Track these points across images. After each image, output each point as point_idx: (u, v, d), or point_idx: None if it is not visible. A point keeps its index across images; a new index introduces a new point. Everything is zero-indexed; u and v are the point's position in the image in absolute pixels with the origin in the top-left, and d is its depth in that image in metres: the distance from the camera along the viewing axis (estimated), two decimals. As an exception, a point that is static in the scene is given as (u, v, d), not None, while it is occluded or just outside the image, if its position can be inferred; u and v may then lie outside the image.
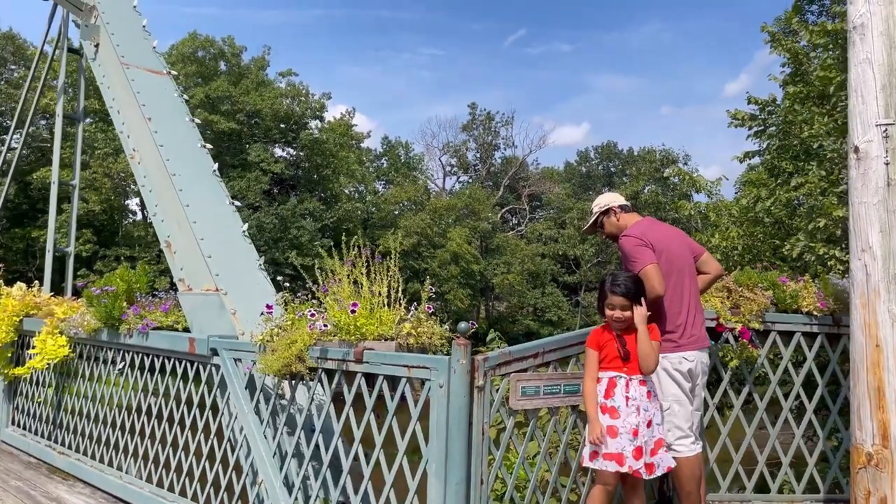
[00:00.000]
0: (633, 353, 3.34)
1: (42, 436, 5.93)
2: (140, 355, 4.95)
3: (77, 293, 6.37)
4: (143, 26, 6.57)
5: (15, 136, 46.10)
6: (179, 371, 4.59)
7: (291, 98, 55.13)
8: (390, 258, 3.85)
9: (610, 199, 4.14)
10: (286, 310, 3.90)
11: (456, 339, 3.02)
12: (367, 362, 3.37)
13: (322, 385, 3.59)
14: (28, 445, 6.02)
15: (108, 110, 6.19)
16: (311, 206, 49.45)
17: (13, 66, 46.45)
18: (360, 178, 63.77)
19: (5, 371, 6.33)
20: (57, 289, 7.73)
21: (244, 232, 5.27)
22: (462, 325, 3.03)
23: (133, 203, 47.04)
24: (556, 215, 58.23)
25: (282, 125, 52.64)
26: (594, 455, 3.23)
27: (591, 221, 4.15)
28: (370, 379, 3.43)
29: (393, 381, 3.33)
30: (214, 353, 4.28)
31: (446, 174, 69.15)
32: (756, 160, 14.03)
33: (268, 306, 3.99)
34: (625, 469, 3.20)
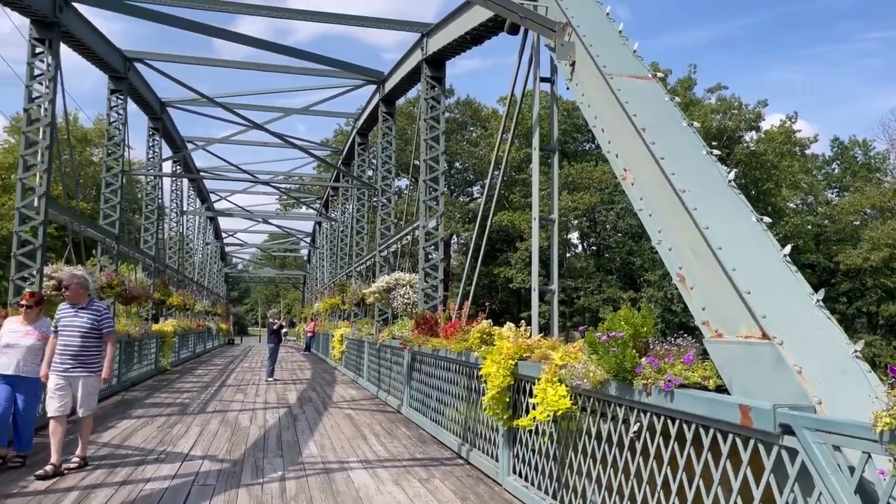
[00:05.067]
0: None
1: (546, 492, 5.42)
2: (662, 419, 3.95)
3: (564, 333, 5.80)
4: (620, 31, 5.85)
5: (477, 188, 52.31)
6: (724, 448, 3.43)
7: (723, 113, 52.03)
8: None
9: None
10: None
11: None
12: None
13: None
14: (531, 500, 5.59)
15: (592, 130, 5.57)
16: (754, 225, 45.22)
17: (472, 129, 53.86)
18: (807, 189, 56.51)
19: (504, 417, 6.11)
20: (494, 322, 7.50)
21: (785, 257, 3.91)
22: None
23: (573, 237, 49.68)
24: None
25: (713, 143, 49.84)
26: None
27: None
28: None
29: None
30: (786, 430, 3.00)
31: (925, 171, 56.80)
32: None
33: (890, 368, 2.56)
34: None
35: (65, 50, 12.12)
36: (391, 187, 17.61)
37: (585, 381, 4.59)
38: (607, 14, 6.12)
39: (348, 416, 10.76)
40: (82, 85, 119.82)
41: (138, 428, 9.20)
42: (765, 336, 3.52)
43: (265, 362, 18.20)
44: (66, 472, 6.34)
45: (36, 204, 10.34)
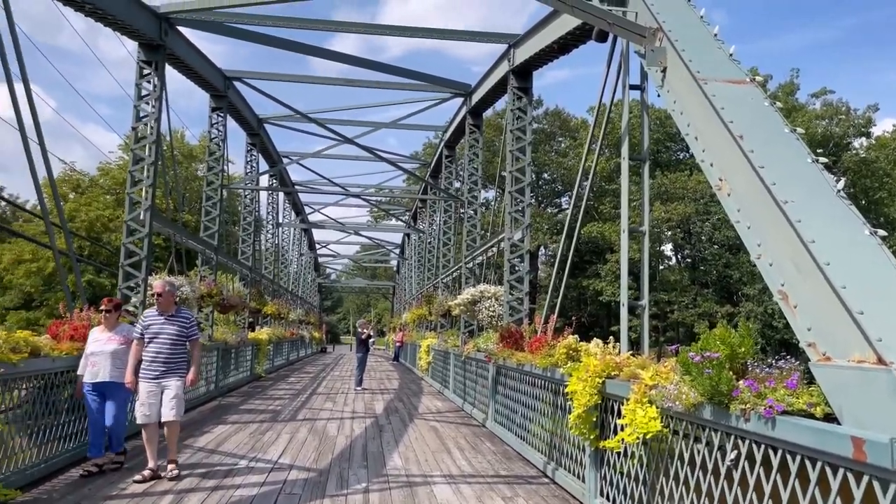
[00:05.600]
0: None
1: (634, 519, 5.16)
2: (762, 447, 3.67)
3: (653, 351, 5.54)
4: (715, 34, 5.57)
5: (565, 199, 51.61)
6: (834, 483, 3.13)
7: (829, 119, 49.25)
8: None
9: None
10: None
11: None
12: None
13: None
14: (619, 526, 5.34)
15: (685, 138, 5.31)
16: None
17: (560, 139, 53.27)
18: (926, 198, 52.51)
19: (591, 437, 5.89)
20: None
21: (904, 273, 3.56)
22: None
23: (667, 248, 48.08)
24: None
25: (819, 150, 47.17)
26: None
27: None
28: None
29: None
30: (907, 468, 2.69)
31: None
32: None
33: None
34: None
35: (171, 72, 12.84)
36: (477, 199, 17.58)
37: (677, 403, 4.34)
38: (701, 17, 5.84)
39: (433, 428, 10.74)
40: (191, 105, 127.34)
41: (232, 434, 9.51)
42: (881, 361, 3.20)
43: (354, 371, 18.52)
44: (162, 475, 6.60)
45: (142, 217, 10.95)
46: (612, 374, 5.76)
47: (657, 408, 4.70)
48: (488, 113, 22.40)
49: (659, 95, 5.84)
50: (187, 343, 6.88)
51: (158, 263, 17.49)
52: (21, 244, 41.75)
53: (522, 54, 11.72)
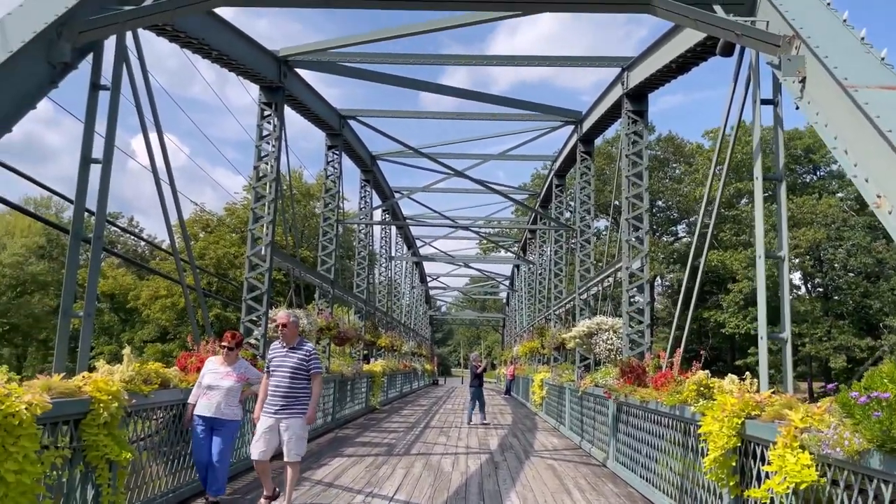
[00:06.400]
0: None
1: (787, 579, 4.58)
2: (952, 505, 3.12)
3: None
4: (862, 38, 5.05)
5: (682, 227, 49.32)
6: None
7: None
8: None
9: None
10: None
11: None
12: None
13: None
14: (768, 586, 4.76)
15: (832, 153, 4.81)
16: None
17: (674, 165, 51.47)
18: None
19: (730, 483, 5.36)
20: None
21: None
22: None
23: (795, 277, 44.92)
24: None
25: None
26: None
27: None
28: None
29: None
30: None
31: None
32: None
33: None
34: None
35: (291, 115, 13.41)
36: (590, 228, 17.10)
37: (838, 449, 3.82)
38: (844, 20, 5.33)
39: (550, 466, 10.31)
40: (310, 146, 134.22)
41: (348, 467, 9.52)
42: None
43: (466, 405, 18.32)
44: (278, 493, 6.58)
45: (263, 252, 11.36)
46: (753, 413, 5.24)
47: (811, 454, 4.18)
48: (597, 141, 21.92)
49: (797, 108, 5.35)
50: (308, 376, 6.60)
51: (279, 297, 18.17)
52: (157, 281, 44.97)
53: (637, 76, 11.33)
